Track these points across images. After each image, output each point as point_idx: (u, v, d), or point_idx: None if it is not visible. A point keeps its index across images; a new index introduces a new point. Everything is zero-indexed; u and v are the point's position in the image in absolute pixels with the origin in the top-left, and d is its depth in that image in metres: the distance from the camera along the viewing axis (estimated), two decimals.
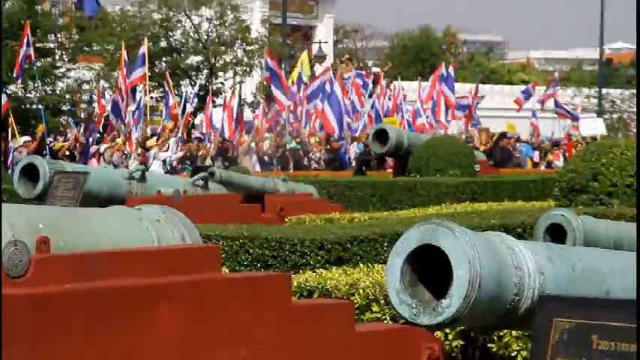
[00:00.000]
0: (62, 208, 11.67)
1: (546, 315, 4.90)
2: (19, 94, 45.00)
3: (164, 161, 38.60)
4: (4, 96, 41.52)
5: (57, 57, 50.78)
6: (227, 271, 10.88)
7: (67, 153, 40.53)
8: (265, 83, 55.48)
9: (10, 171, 25.68)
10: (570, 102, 65.57)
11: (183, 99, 50.14)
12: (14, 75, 43.68)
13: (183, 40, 67.87)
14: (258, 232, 16.23)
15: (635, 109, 66.30)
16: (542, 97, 61.11)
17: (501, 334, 10.23)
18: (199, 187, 23.29)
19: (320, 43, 78.06)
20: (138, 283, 8.75)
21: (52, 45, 49.30)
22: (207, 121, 48.59)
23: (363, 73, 56.40)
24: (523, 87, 71.42)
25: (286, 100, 50.00)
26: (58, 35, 51.10)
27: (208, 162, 37.30)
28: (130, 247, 9.32)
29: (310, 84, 52.67)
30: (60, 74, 51.19)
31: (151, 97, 49.28)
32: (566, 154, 43.96)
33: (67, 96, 51.30)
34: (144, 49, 51.71)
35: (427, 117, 51.16)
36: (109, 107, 47.20)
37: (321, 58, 65.06)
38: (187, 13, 68.42)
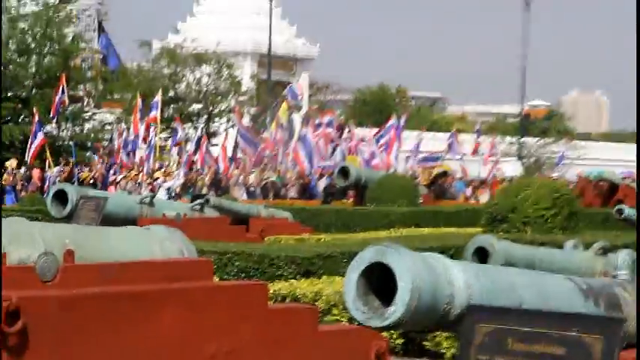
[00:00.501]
0: (85, 227, 11.72)
1: (472, 321, 4.92)
2: (54, 132, 44.85)
3: (168, 189, 38.81)
4: (40, 133, 41.82)
5: (85, 103, 50.78)
6: (217, 279, 10.89)
7: (91, 181, 40.71)
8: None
9: (45, 195, 25.63)
10: (494, 149, 66.01)
11: (184, 139, 50.51)
12: (51, 116, 43.82)
13: (187, 91, 68.03)
14: (242, 248, 16.35)
15: (547, 155, 66.58)
16: (475, 144, 61.55)
17: (435, 335, 10.27)
18: (196, 211, 23.36)
19: (299, 96, 78.29)
20: (145, 289, 8.81)
21: (81, 93, 49.35)
22: (202, 158, 48.79)
23: (333, 122, 56.49)
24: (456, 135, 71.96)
25: (253, 151, 50.94)
26: (87, 85, 51.05)
27: (204, 190, 37.45)
28: (139, 259, 9.34)
29: (289, 128, 53.04)
30: (87, 117, 51.27)
31: (160, 138, 49.29)
32: (491, 190, 44.15)
33: (92, 135, 51.40)
34: (158, 97, 52.00)
35: (381, 158, 51.41)
36: (125, 145, 47.55)
37: (297, 108, 65.23)
38: (191, 69, 68.71)
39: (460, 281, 5.38)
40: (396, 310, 5.20)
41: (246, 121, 58.61)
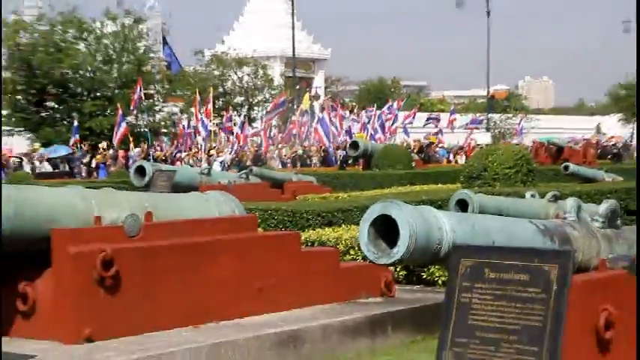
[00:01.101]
0: (160, 194, 11.77)
1: (457, 257, 4.89)
2: (133, 122, 44.87)
3: (221, 162, 38.68)
4: (123, 123, 42.24)
5: (155, 99, 50.71)
6: (261, 230, 10.90)
7: (163, 158, 40.73)
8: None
9: (128, 170, 25.68)
10: (468, 123, 65.84)
11: (231, 124, 50.72)
12: (131, 109, 43.94)
13: (232, 87, 67.98)
14: (279, 206, 16.33)
15: (509, 126, 66.30)
16: (450, 120, 61.45)
17: (429, 268, 10.21)
18: (243, 179, 23.32)
19: (316, 88, 78.31)
20: (205, 239, 8.89)
21: (152, 91, 49.31)
22: (244, 138, 48.82)
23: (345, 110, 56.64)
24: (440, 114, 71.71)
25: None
26: (156, 85, 51.01)
27: (248, 163, 37.35)
28: (201, 217, 9.36)
29: (310, 113, 53.04)
30: (157, 110, 51.17)
31: (213, 124, 49.33)
32: (467, 155, 43.94)
33: (162, 123, 51.38)
34: (210, 95, 52.21)
35: (383, 133, 51.21)
36: (187, 130, 47.75)
37: (316, 97, 65.05)
38: (234, 70, 68.65)
39: (447, 227, 5.36)
40: (399, 250, 5.19)
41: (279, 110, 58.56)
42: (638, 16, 6.68)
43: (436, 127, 61.99)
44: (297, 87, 71.32)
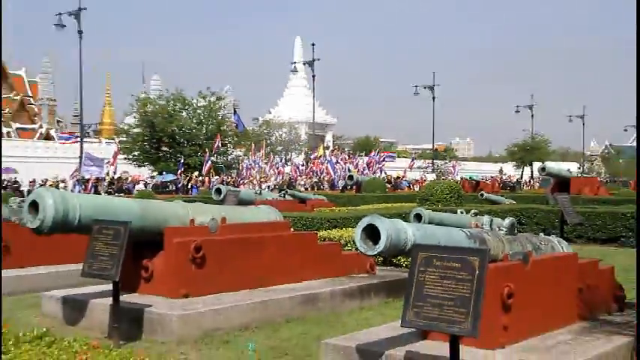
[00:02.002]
0: (230, 206, 11.68)
1: (416, 251, 4.86)
2: (215, 160, 44.84)
3: (268, 187, 38.52)
4: (208, 162, 42.78)
5: (228, 147, 50.69)
6: (292, 230, 10.83)
7: (232, 183, 40.77)
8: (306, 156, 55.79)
9: (210, 190, 25.54)
10: (421, 165, 65.89)
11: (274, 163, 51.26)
12: (212, 153, 44.08)
13: (276, 140, 68.07)
14: (303, 215, 16.28)
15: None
16: (410, 164, 61.64)
17: (399, 258, 10.06)
18: (282, 198, 23.32)
19: (327, 142, 78.42)
20: (258, 235, 8.83)
21: (226, 142, 49.29)
22: (282, 172, 49.12)
23: (342, 154, 56.85)
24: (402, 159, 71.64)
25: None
26: (228, 138, 50.96)
27: (285, 187, 37.43)
28: (256, 222, 9.33)
29: (321, 157, 53.18)
30: (229, 153, 51.09)
31: (264, 163, 49.42)
32: (420, 185, 43.94)
33: (232, 161, 51.31)
34: (262, 145, 52.61)
35: (368, 170, 51.49)
36: (247, 166, 48.02)
37: (327, 147, 65.09)
38: (277, 130, 68.96)
39: (409, 232, 5.32)
40: (380, 247, 5.16)
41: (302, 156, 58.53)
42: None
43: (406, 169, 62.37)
44: (316, 141, 71.75)
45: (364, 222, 5.38)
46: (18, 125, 71.18)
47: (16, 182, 43.14)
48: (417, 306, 4.73)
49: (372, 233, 5.32)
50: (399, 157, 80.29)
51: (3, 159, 52.25)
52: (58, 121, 78.48)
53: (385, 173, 54.39)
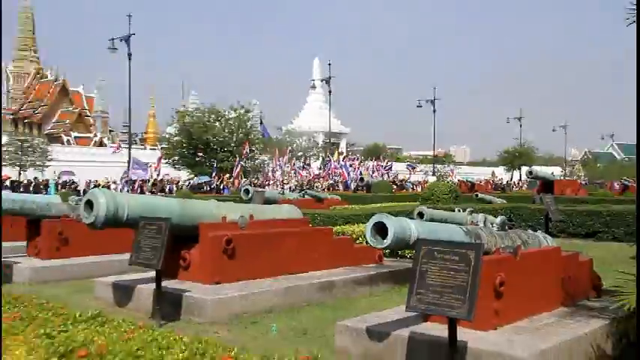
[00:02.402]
0: (260, 205, 11.67)
1: (419, 245, 4.83)
2: (244, 165, 44.79)
3: (289, 187, 38.42)
4: (238, 165, 42.76)
5: (255, 153, 50.59)
6: (311, 225, 10.79)
7: (259, 184, 40.74)
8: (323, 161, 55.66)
9: (239, 190, 25.46)
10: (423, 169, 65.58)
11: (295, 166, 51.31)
12: (242, 158, 44.14)
13: (296, 147, 67.59)
14: (321, 212, 16.27)
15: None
16: (410, 171, 62.07)
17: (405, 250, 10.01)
18: (302, 197, 23.31)
19: (341, 149, 78.23)
20: (281, 230, 8.81)
21: (254, 149, 49.24)
22: (301, 174, 49.12)
23: (355, 161, 56.63)
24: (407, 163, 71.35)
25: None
26: (256, 146, 50.92)
27: (304, 188, 37.42)
28: (279, 219, 9.34)
29: (336, 162, 53.08)
30: (256, 159, 51.00)
31: (286, 166, 49.41)
32: (423, 186, 43.69)
33: (258, 166, 51.26)
34: (286, 151, 52.69)
35: (377, 173, 51.29)
36: (271, 170, 48.04)
37: (341, 154, 64.90)
38: (298, 138, 68.66)
39: (413, 228, 5.28)
40: (387, 241, 5.12)
41: (321, 160, 58.32)
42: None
43: (410, 172, 61.86)
44: (331, 148, 71.63)
45: (374, 219, 5.35)
46: (76, 134, 71.77)
47: (73, 183, 43.51)
48: (420, 293, 4.70)
49: (380, 229, 5.29)
50: (403, 161, 79.54)
51: (64, 163, 53.35)
52: (110, 131, 78.92)
53: (388, 176, 54.06)
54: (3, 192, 11.92)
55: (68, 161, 55.63)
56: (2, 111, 65.95)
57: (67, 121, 72.48)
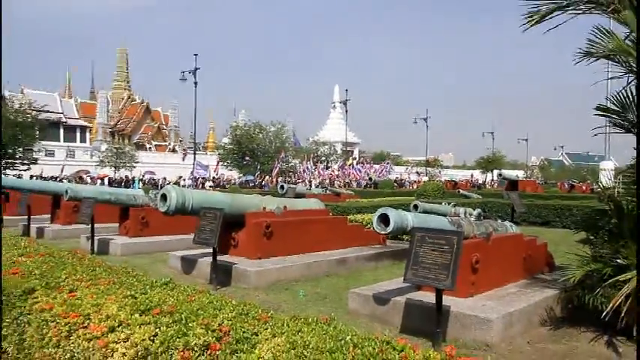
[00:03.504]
0: (291, 199, 11.57)
1: (414, 232, 4.76)
2: (280, 166, 44.55)
3: (315, 185, 38.16)
4: (276, 168, 42.48)
5: (289, 157, 50.26)
6: (331, 215, 10.69)
7: (292, 182, 40.59)
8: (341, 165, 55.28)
9: (277, 187, 25.41)
10: (416, 171, 64.72)
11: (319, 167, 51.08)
12: (278, 162, 44.02)
13: (321, 155, 66.67)
14: (338, 204, 16.11)
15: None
16: (407, 172, 61.31)
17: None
18: (324, 192, 23.11)
19: (355, 155, 77.59)
20: (308, 218, 8.71)
21: (288, 154, 48.97)
22: (323, 174, 48.75)
23: (365, 164, 56.15)
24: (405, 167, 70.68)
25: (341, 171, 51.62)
26: (289, 152, 50.67)
27: (326, 185, 37.30)
28: (307, 209, 9.25)
29: (349, 167, 52.75)
30: (289, 162, 50.66)
31: (313, 168, 49.15)
32: (418, 185, 43.28)
33: (291, 168, 51.06)
34: (311, 157, 52.48)
35: (383, 173, 50.91)
36: (301, 170, 47.80)
37: (355, 159, 64.57)
38: (322, 147, 67.73)
39: (410, 219, 5.20)
40: (389, 228, 5.05)
41: (339, 163, 57.60)
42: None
43: (408, 172, 61.11)
44: (347, 154, 71.00)
45: (379, 212, 5.27)
46: (155, 143, 72.58)
47: (153, 180, 44.02)
48: (414, 268, 4.63)
49: (384, 219, 5.22)
50: (402, 165, 78.43)
51: (147, 165, 53.95)
52: (180, 140, 79.48)
53: (391, 175, 53.50)
54: (102, 187, 12.18)
55: (150, 163, 56.25)
56: (101, 126, 67.01)
57: (149, 133, 73.41)
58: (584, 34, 5.15)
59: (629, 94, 5.20)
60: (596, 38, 5.02)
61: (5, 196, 13.32)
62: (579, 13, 5.16)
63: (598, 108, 5.40)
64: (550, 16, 5.07)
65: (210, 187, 38.04)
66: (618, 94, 5.30)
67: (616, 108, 5.31)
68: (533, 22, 5.08)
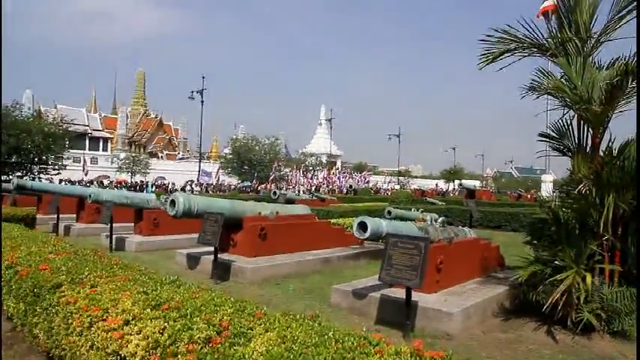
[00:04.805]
0: (281, 204, 11.48)
1: (388, 237, 4.76)
2: (274, 174, 44.04)
3: (303, 191, 37.79)
4: (272, 175, 41.86)
5: (282, 166, 49.62)
6: (317, 219, 10.62)
7: (284, 189, 40.18)
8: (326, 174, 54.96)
9: (271, 193, 24.95)
10: (390, 180, 64.65)
11: (307, 175, 50.75)
12: (273, 170, 43.53)
13: (308, 164, 65.76)
14: (323, 209, 15.94)
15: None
16: (386, 180, 61.07)
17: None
18: (310, 198, 22.96)
19: (338, 166, 77.24)
20: (297, 222, 8.61)
21: (280, 164, 48.48)
22: (310, 182, 48.42)
23: (347, 173, 55.97)
24: (383, 177, 70.41)
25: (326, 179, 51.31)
26: (281, 162, 50.16)
27: (313, 190, 36.98)
28: (296, 214, 9.17)
29: (334, 175, 52.57)
30: (281, 171, 50.11)
31: (301, 176, 48.79)
32: (392, 192, 43.28)
33: (283, 176, 50.62)
34: (300, 167, 52.19)
35: (362, 181, 50.90)
36: (291, 178, 47.34)
37: (337, 169, 64.51)
38: (309, 159, 67.07)
39: (384, 226, 5.22)
40: (367, 234, 5.07)
41: (324, 173, 57.16)
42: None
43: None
44: (330, 165, 70.78)
45: (358, 219, 5.29)
46: (166, 152, 72.19)
47: (163, 184, 43.57)
48: (387, 269, 4.63)
49: (363, 226, 5.24)
50: (378, 174, 78.38)
51: (159, 171, 53.44)
52: (188, 150, 79.00)
53: (368, 184, 53.47)
54: (120, 191, 12.05)
55: (161, 170, 55.78)
56: (120, 137, 66.30)
57: (161, 144, 73.01)
58: (531, 68, 5.26)
59: (565, 124, 5.34)
60: (538, 78, 5.13)
61: (38, 198, 14.08)
62: (525, 56, 5.27)
63: (541, 135, 5.53)
64: (500, 57, 5.17)
65: (212, 190, 37.70)
66: (556, 123, 5.43)
67: (554, 135, 5.44)
68: (487, 62, 5.17)
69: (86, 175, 41.58)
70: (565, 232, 4.99)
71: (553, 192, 6.24)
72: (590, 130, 5.19)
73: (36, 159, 21.81)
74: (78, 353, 3.07)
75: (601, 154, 5.10)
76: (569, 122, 5.33)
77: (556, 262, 4.89)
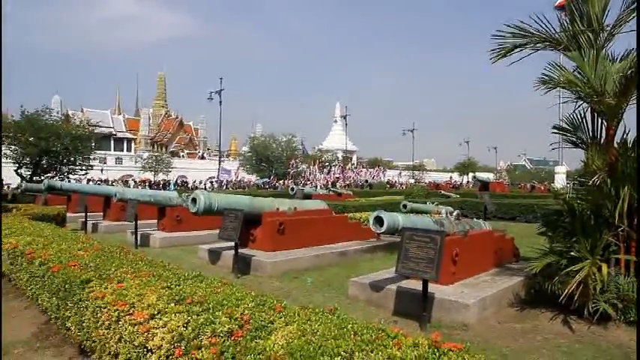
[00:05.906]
0: (298, 200, 11.45)
1: (404, 231, 4.73)
2: (291, 170, 44.13)
3: (321, 186, 37.73)
4: (290, 171, 41.81)
5: (299, 163, 49.64)
6: (334, 213, 10.61)
7: (301, 184, 40.14)
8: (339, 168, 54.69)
9: (288, 188, 24.82)
10: (405, 174, 64.06)
11: (325, 171, 50.57)
12: (290, 167, 43.62)
13: (325, 160, 65.31)
14: (339, 203, 15.87)
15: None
16: (400, 173, 60.66)
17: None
18: (327, 193, 22.77)
19: (353, 161, 76.81)
20: (315, 217, 8.61)
21: (298, 161, 48.41)
22: (327, 177, 48.12)
23: (362, 169, 55.64)
24: (395, 171, 69.85)
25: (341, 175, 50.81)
26: (298, 159, 50.05)
27: (330, 186, 36.89)
28: (313, 209, 9.17)
29: (349, 171, 52.34)
30: (299, 167, 50.10)
31: (319, 171, 48.73)
32: (407, 186, 42.86)
33: (300, 172, 50.54)
34: (317, 163, 52.09)
35: (376, 177, 50.58)
36: (309, 174, 47.28)
37: (353, 164, 64.09)
38: (325, 155, 66.44)
39: (400, 220, 5.17)
40: (383, 228, 5.03)
41: (338, 169, 56.76)
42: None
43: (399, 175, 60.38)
44: (346, 160, 70.46)
45: (375, 214, 5.24)
46: (187, 151, 72.91)
47: (184, 183, 44.07)
48: (404, 262, 4.60)
49: (379, 220, 5.20)
50: (393, 169, 77.76)
51: (181, 170, 54.05)
52: (208, 149, 79.68)
53: (384, 178, 53.08)
54: (144, 190, 12.27)
55: (183, 168, 56.48)
56: (143, 137, 67.24)
57: (182, 143, 73.85)
58: (542, 62, 5.15)
59: (579, 117, 5.22)
60: (550, 72, 5.02)
61: (68, 197, 14.67)
62: (538, 50, 5.16)
63: (554, 127, 5.41)
64: (512, 52, 5.07)
65: (232, 187, 38.00)
66: (570, 115, 5.30)
67: (568, 127, 5.32)
68: (499, 57, 5.08)
69: (101, 172, 42.29)
70: (580, 223, 4.90)
71: (567, 184, 6.12)
72: (604, 122, 5.07)
73: (65, 160, 22.35)
74: (107, 345, 3.14)
75: (615, 145, 4.98)
76: (582, 115, 5.21)
77: (571, 252, 4.80)
